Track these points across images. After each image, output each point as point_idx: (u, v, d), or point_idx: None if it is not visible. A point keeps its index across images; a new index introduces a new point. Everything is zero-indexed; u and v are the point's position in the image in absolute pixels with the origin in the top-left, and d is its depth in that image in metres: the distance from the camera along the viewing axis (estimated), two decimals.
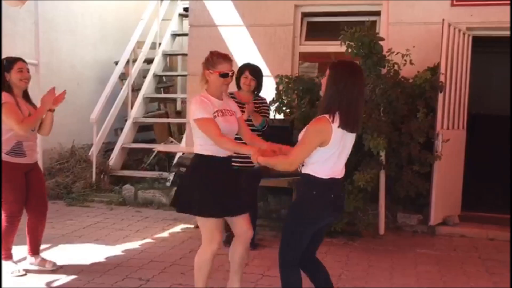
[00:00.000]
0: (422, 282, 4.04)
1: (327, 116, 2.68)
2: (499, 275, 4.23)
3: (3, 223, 3.87)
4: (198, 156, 3.19)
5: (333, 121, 2.67)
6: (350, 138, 2.80)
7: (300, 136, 2.79)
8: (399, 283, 4.02)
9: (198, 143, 3.18)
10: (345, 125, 2.69)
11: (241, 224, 3.27)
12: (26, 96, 3.98)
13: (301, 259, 2.91)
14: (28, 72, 3.98)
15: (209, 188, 3.13)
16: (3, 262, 3.90)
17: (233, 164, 4.67)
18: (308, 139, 2.70)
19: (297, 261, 2.90)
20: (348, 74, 2.72)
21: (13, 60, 3.89)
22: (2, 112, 3.72)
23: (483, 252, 4.84)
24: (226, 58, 3.18)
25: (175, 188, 6.02)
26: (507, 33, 5.87)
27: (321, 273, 3.02)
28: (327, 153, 2.72)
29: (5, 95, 3.75)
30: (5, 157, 3.78)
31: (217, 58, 3.16)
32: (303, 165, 2.81)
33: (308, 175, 2.77)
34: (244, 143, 3.30)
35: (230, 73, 3.18)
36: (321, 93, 2.83)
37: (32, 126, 3.85)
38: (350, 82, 2.70)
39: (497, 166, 7.42)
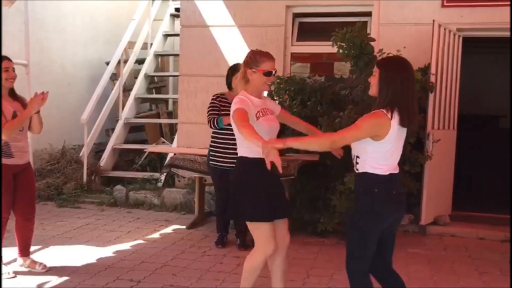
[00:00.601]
0: (413, 281, 4.05)
1: (384, 110, 2.66)
2: (489, 274, 4.27)
3: None
4: (245, 159, 3.09)
5: (391, 117, 2.65)
6: (403, 134, 2.78)
7: None
8: None
9: (244, 145, 3.08)
10: (404, 121, 2.68)
11: (280, 229, 3.16)
12: (13, 94, 3.95)
13: (376, 269, 2.85)
14: (14, 71, 3.93)
15: (259, 191, 3.06)
16: None
17: (222, 164, 4.69)
18: (360, 127, 2.65)
19: (366, 271, 2.82)
20: (401, 70, 2.71)
21: None
22: None
23: (473, 252, 4.87)
24: (269, 56, 3.13)
25: (167, 189, 6.02)
26: (497, 34, 5.93)
27: (398, 286, 2.91)
28: (384, 148, 2.69)
29: None
30: None
31: (260, 57, 3.09)
32: (357, 164, 2.78)
33: (366, 173, 2.74)
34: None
35: (273, 72, 3.14)
36: (372, 93, 2.80)
37: (14, 131, 3.78)
38: (405, 77, 2.69)
39: (487, 166, 7.48)
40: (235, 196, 3.13)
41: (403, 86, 2.68)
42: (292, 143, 2.75)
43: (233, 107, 3.03)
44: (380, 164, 2.72)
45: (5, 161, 3.79)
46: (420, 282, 4.04)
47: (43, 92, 3.86)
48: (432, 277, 4.17)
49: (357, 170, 2.81)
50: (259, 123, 3.03)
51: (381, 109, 2.67)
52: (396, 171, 2.80)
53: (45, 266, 4.08)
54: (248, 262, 3.14)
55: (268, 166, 2.69)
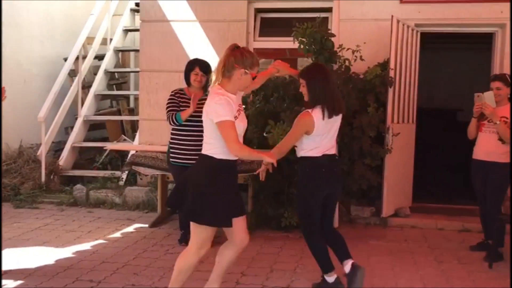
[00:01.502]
0: (374, 272, 4.13)
1: (309, 110, 3.39)
2: (447, 263, 4.39)
3: None
4: (213, 160, 2.99)
5: (315, 114, 3.35)
6: (335, 122, 3.47)
7: None
8: None
9: (216, 145, 2.97)
10: (331, 113, 3.37)
11: (241, 229, 3.13)
12: None
13: (322, 230, 3.56)
14: None
15: (226, 194, 3.00)
16: None
17: (182, 161, 4.63)
18: (295, 133, 3.44)
19: (315, 230, 3.52)
20: (320, 74, 3.45)
21: None
22: None
23: (432, 242, 5.00)
24: (258, 61, 3.07)
25: (129, 188, 5.91)
26: (453, 29, 6.09)
27: (339, 239, 3.63)
28: (314, 139, 3.41)
29: None
30: None
31: (256, 60, 2.99)
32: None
33: (303, 157, 3.50)
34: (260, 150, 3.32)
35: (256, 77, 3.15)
36: (306, 99, 3.47)
37: None
38: (323, 79, 3.42)
39: (444, 158, 7.70)
40: (196, 195, 3.00)
41: (323, 86, 3.39)
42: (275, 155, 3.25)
43: (219, 110, 2.87)
44: (313, 149, 3.44)
45: None
46: (382, 273, 4.11)
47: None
48: (393, 268, 4.25)
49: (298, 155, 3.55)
50: (237, 125, 2.94)
51: (307, 110, 3.41)
52: (330, 151, 3.50)
53: None
54: (179, 262, 3.13)
55: (262, 177, 3.33)
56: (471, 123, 4.58)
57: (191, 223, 3.08)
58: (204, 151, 3.06)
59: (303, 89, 3.48)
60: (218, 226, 3.07)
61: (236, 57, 2.95)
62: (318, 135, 3.40)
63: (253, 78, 3.05)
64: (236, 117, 2.95)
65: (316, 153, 3.44)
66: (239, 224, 3.11)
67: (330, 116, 3.37)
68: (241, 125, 3.04)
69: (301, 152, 3.50)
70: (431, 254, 4.64)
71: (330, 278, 3.56)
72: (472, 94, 4.50)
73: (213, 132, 2.96)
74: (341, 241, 3.63)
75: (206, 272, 4.02)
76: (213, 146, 3.00)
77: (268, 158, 3.04)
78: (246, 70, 2.95)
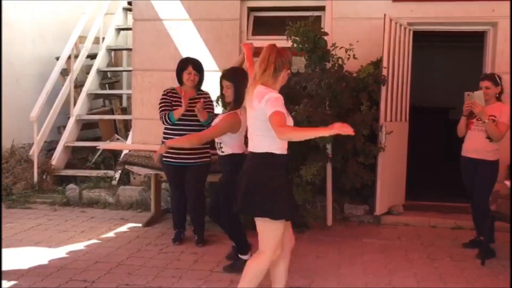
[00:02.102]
0: (368, 270, 4.14)
1: (237, 111, 3.81)
2: (440, 260, 4.42)
3: None
4: (268, 155, 2.99)
5: (241, 114, 3.75)
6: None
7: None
8: (346, 272, 4.10)
9: (267, 142, 2.98)
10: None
11: (287, 230, 3.14)
12: None
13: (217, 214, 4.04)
14: None
15: (285, 188, 3.03)
16: None
17: (175, 161, 4.64)
18: (221, 127, 3.81)
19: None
20: (243, 77, 3.82)
21: None
22: None
23: (425, 239, 5.03)
24: None
25: (122, 187, 5.88)
26: (445, 28, 6.12)
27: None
28: (238, 137, 3.87)
29: None
30: None
31: (291, 59, 3.06)
32: (221, 148, 3.93)
33: (227, 154, 3.92)
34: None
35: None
36: (228, 100, 3.98)
37: None
38: (245, 81, 3.63)
39: (437, 156, 7.74)
40: (257, 191, 2.98)
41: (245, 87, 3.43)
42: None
43: (273, 107, 2.87)
44: (237, 147, 3.86)
45: None
46: (375, 271, 4.13)
47: None
48: (387, 266, 4.27)
49: (222, 152, 3.93)
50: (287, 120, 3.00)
51: (235, 110, 3.83)
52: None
53: None
54: (252, 266, 3.02)
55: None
56: (460, 121, 4.66)
57: (260, 226, 3.02)
58: (262, 150, 3.02)
59: (229, 91, 3.91)
60: (294, 218, 3.11)
61: (283, 58, 3.02)
62: (241, 134, 3.86)
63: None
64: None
65: (238, 150, 3.88)
66: (287, 224, 3.17)
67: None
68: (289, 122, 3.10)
69: (228, 149, 3.89)
70: (424, 251, 4.66)
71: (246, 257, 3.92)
72: (464, 91, 4.54)
73: (265, 129, 2.95)
74: None
75: (200, 271, 4.03)
76: (268, 142, 3.00)
77: (329, 131, 2.83)
78: (288, 71, 3.06)
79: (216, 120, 3.92)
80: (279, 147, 3.02)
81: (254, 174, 3.05)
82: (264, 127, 2.97)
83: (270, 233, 3.00)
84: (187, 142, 3.94)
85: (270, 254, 3.01)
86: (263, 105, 2.92)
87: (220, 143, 3.90)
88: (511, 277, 3.87)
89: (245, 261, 3.55)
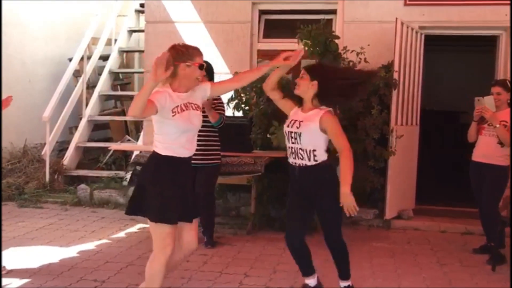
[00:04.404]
0: (377, 274, 4.14)
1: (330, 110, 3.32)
2: (450, 265, 4.40)
3: None
4: (158, 156, 2.98)
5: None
6: None
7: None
8: (355, 276, 4.08)
9: (158, 140, 2.97)
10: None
11: (189, 233, 3.10)
12: None
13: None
14: None
15: (171, 191, 2.94)
16: None
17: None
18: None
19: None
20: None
21: None
22: None
23: (435, 244, 5.00)
24: (199, 50, 3.01)
25: (133, 188, 5.93)
26: (457, 32, 6.10)
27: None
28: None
29: None
30: None
31: (193, 50, 2.95)
32: (315, 156, 3.29)
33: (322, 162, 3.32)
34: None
35: (204, 65, 3.04)
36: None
37: None
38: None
39: (448, 160, 7.70)
40: (146, 192, 2.95)
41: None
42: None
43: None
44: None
45: None
46: (384, 275, 4.12)
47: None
48: (396, 270, 4.26)
49: (316, 161, 3.29)
50: (174, 120, 2.89)
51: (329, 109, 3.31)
52: None
53: (4, 268, 3.95)
54: (148, 270, 3.05)
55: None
56: (471, 127, 4.64)
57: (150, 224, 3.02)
58: (153, 149, 3.03)
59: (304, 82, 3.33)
60: (164, 222, 2.96)
61: (172, 56, 2.88)
62: None
63: (200, 67, 2.97)
64: (174, 113, 2.89)
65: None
66: (186, 226, 3.09)
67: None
68: (181, 122, 2.92)
69: (322, 157, 3.31)
70: (434, 256, 4.64)
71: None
72: (475, 96, 4.53)
73: (155, 127, 2.98)
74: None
75: (209, 273, 4.05)
76: (158, 140, 2.99)
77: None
78: (187, 63, 2.92)
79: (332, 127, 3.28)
80: (164, 148, 2.95)
81: (142, 174, 3.14)
82: (154, 124, 2.99)
83: (156, 233, 2.98)
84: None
85: (159, 253, 2.98)
86: None
87: (313, 150, 3.29)
88: (511, 278, 3.84)
89: None
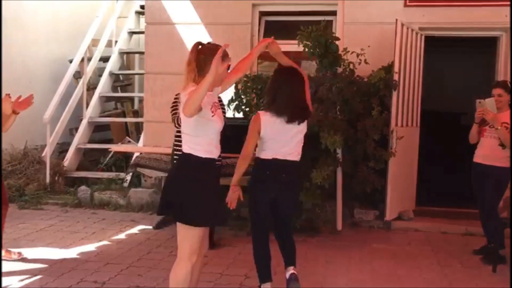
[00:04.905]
0: (377, 276, 4.14)
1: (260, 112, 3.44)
2: (450, 266, 4.40)
3: None
4: (198, 159, 2.88)
5: (262, 116, 3.36)
6: (293, 128, 3.37)
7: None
8: (355, 278, 4.10)
9: (195, 142, 2.88)
10: (288, 119, 3.34)
11: (205, 236, 3.08)
12: None
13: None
14: None
15: (210, 194, 2.91)
16: None
17: None
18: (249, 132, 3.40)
19: (258, 233, 3.62)
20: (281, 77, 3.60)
21: None
22: None
23: (435, 245, 5.00)
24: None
25: (133, 189, 5.92)
26: (457, 33, 6.10)
27: (288, 245, 3.70)
28: (262, 140, 3.39)
29: None
30: None
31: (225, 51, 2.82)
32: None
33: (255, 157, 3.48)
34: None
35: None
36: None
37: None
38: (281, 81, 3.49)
39: (448, 161, 7.68)
40: (178, 195, 2.88)
41: (282, 90, 3.50)
42: None
43: (185, 96, 2.74)
44: (264, 150, 3.40)
45: None
46: (385, 277, 4.12)
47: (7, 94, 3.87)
48: (397, 271, 4.26)
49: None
50: (213, 119, 2.86)
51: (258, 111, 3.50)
52: (285, 157, 3.38)
53: (20, 253, 4.15)
54: (172, 277, 2.96)
55: (233, 205, 3.41)
56: (472, 128, 4.66)
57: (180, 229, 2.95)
58: (185, 151, 2.94)
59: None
60: (200, 225, 2.92)
61: (205, 53, 2.88)
62: (268, 138, 3.36)
63: (228, 69, 2.96)
64: (213, 113, 2.85)
65: (265, 155, 3.39)
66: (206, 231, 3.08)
67: (288, 121, 3.32)
68: (219, 123, 2.92)
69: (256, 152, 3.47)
70: (434, 257, 4.64)
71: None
72: (476, 98, 4.53)
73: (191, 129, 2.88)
74: (290, 248, 3.61)
75: (210, 274, 4.04)
76: (191, 143, 2.91)
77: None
78: (225, 62, 2.84)
79: None
80: (197, 149, 2.88)
81: (174, 176, 3.01)
82: (186, 125, 2.88)
83: (187, 238, 2.91)
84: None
85: (186, 259, 2.91)
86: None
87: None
88: (511, 278, 3.84)
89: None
